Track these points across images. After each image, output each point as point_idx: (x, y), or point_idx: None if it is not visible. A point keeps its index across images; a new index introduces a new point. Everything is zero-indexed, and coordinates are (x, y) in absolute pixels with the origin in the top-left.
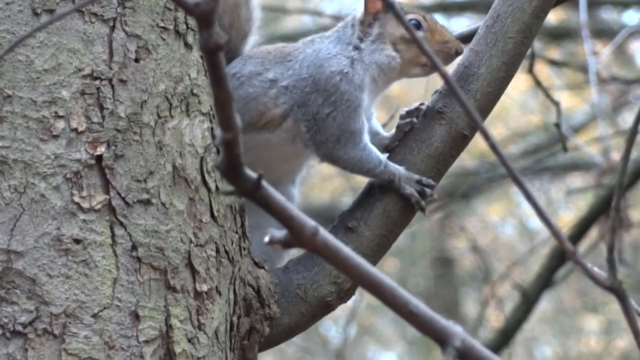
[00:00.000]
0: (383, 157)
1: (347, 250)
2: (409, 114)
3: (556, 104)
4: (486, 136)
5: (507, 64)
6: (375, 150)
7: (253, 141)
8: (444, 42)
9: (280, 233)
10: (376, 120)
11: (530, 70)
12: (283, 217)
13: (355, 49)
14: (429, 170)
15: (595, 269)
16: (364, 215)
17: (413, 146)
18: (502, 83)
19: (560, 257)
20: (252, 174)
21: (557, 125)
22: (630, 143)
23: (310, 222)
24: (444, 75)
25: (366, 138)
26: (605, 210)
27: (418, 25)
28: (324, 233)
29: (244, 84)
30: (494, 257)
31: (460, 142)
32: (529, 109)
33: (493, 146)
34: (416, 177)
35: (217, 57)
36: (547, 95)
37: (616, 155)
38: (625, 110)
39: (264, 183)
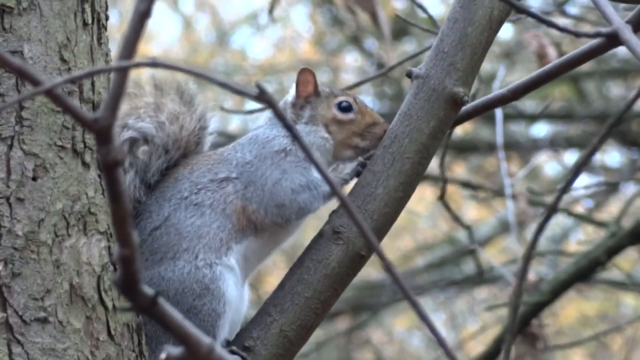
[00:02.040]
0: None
1: None
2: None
3: (467, 228)
4: (382, 257)
5: (405, 184)
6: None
7: (256, 243)
8: (373, 124)
9: (176, 350)
10: None
11: (442, 197)
12: (179, 334)
13: None
14: (325, 290)
15: None
16: (261, 334)
17: (310, 266)
18: (399, 203)
19: None
20: (149, 291)
21: (472, 251)
22: (526, 262)
23: (206, 340)
24: (340, 197)
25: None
26: (521, 329)
27: (349, 108)
28: (220, 351)
29: (206, 194)
30: None
31: (357, 262)
32: (437, 220)
33: (388, 267)
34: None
35: (115, 172)
36: (457, 220)
37: (531, 275)
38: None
39: (161, 300)
